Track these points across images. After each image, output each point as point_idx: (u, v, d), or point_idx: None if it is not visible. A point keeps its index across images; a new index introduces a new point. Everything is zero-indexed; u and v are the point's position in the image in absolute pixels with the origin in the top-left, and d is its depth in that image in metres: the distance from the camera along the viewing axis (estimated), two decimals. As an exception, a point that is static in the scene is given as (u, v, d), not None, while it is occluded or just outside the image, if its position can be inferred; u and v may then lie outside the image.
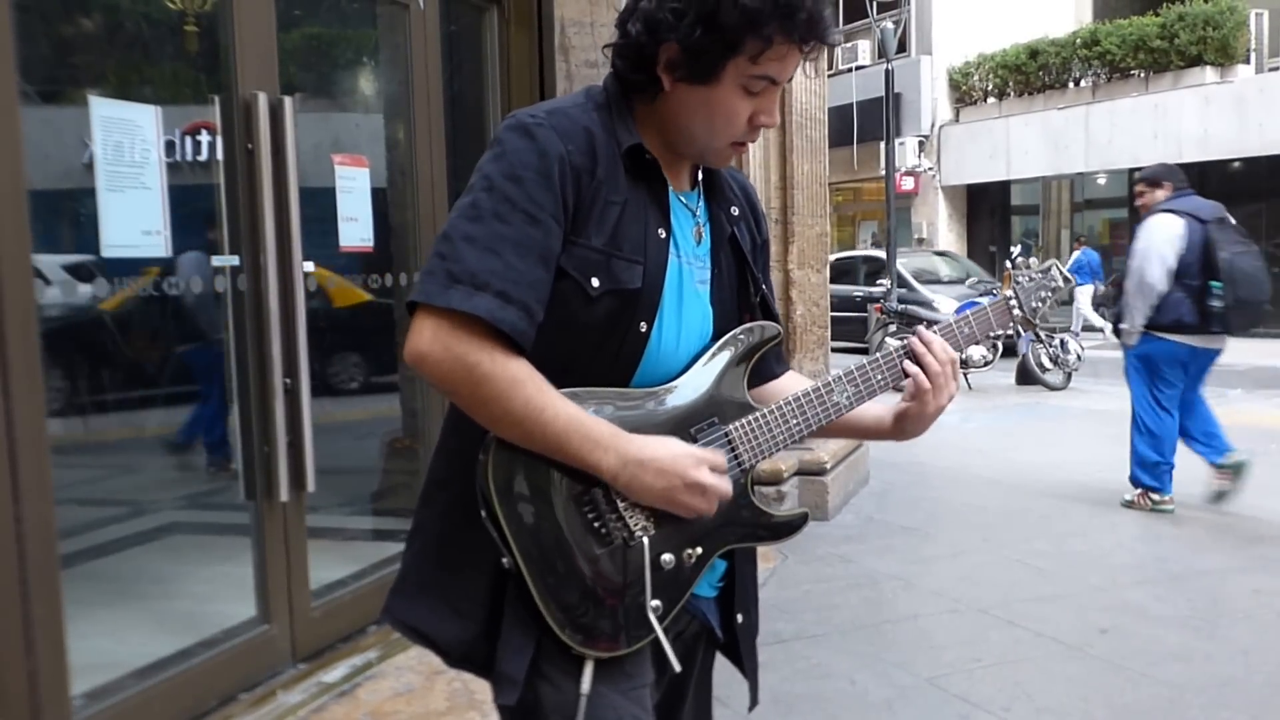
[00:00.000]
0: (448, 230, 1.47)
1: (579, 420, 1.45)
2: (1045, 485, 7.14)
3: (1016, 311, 1.79)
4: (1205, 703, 3.63)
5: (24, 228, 2.62)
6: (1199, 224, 5.82)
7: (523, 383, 1.43)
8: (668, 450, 1.48)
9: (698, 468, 1.48)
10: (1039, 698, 3.67)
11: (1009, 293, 1.80)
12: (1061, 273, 1.82)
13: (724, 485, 1.51)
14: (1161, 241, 5.91)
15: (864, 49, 23.59)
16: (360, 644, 3.77)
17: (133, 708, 3.00)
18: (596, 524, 1.51)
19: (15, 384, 2.59)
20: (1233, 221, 6.01)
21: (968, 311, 1.74)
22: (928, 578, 5.07)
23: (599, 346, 1.52)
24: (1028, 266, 1.83)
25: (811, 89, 6.25)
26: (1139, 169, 21.42)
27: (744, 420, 1.59)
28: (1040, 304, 1.81)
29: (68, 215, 3.41)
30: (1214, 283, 5.67)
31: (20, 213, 2.61)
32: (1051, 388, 11.96)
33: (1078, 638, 4.22)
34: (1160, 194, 6.14)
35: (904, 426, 1.72)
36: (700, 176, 1.69)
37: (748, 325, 1.65)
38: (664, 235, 1.57)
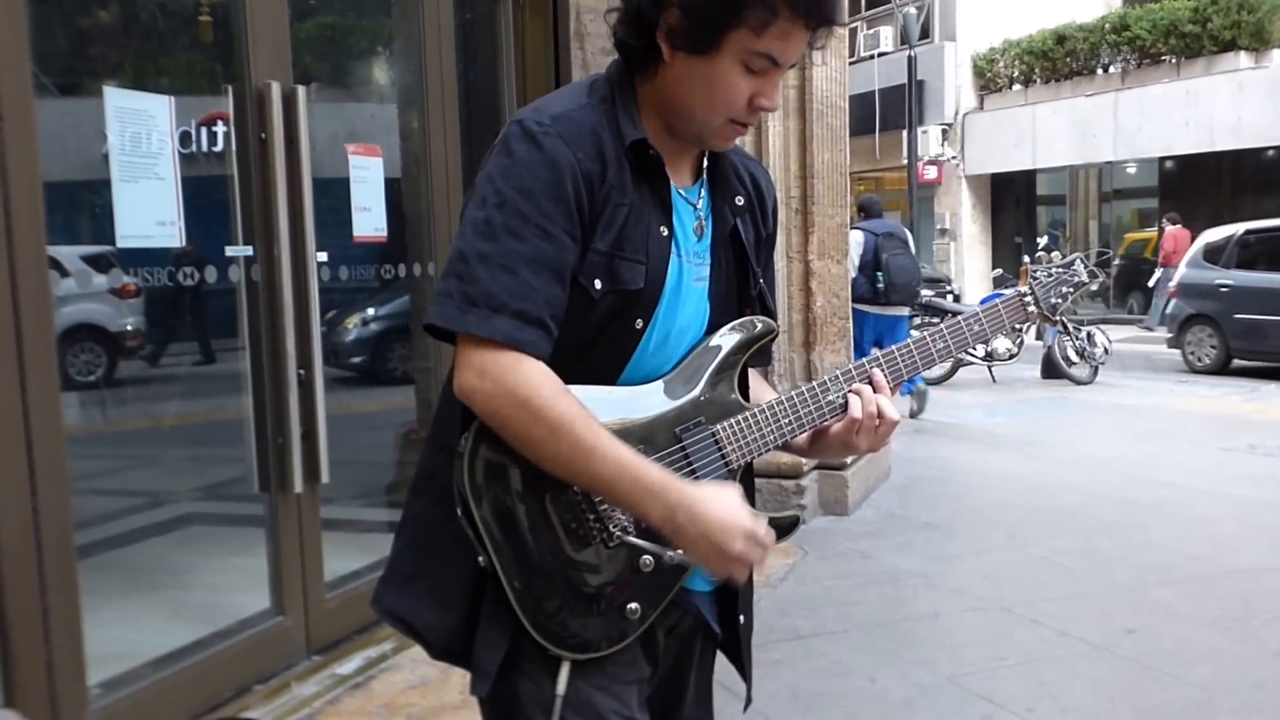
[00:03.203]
0: (462, 248, 1.47)
1: (630, 465, 1.45)
2: (1071, 481, 7.12)
3: (1033, 309, 1.76)
4: (1235, 705, 3.61)
5: (39, 219, 2.68)
6: (873, 236, 9.17)
7: (572, 421, 1.43)
8: (720, 513, 1.46)
9: (745, 543, 1.46)
10: (1063, 698, 3.66)
11: (1024, 288, 1.78)
12: (1087, 267, 1.80)
13: (762, 560, 1.49)
14: (850, 247, 8.82)
15: (886, 35, 23.55)
16: (375, 636, 3.84)
17: (149, 698, 3.07)
18: (574, 525, 1.51)
19: (31, 375, 2.64)
20: (901, 235, 9.47)
21: (979, 308, 1.74)
22: (950, 575, 5.08)
23: (589, 345, 1.53)
24: (1049, 261, 1.81)
25: (833, 76, 6.26)
26: (1170, 158, 21.23)
27: (732, 420, 1.59)
28: (1061, 300, 1.78)
29: (83, 206, 3.47)
30: (878, 273, 9.07)
31: (36, 204, 2.66)
32: (1078, 382, 11.93)
33: (1104, 637, 4.21)
34: (863, 218, 9.71)
35: (818, 446, 1.71)
36: (705, 167, 1.68)
37: (738, 321, 1.65)
38: (666, 233, 1.56)
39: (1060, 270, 1.79)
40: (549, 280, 1.45)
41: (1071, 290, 1.78)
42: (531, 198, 1.45)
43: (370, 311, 4.24)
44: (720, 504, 1.47)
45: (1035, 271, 1.80)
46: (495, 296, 1.42)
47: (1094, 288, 1.83)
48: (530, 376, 1.43)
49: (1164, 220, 18.68)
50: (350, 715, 3.33)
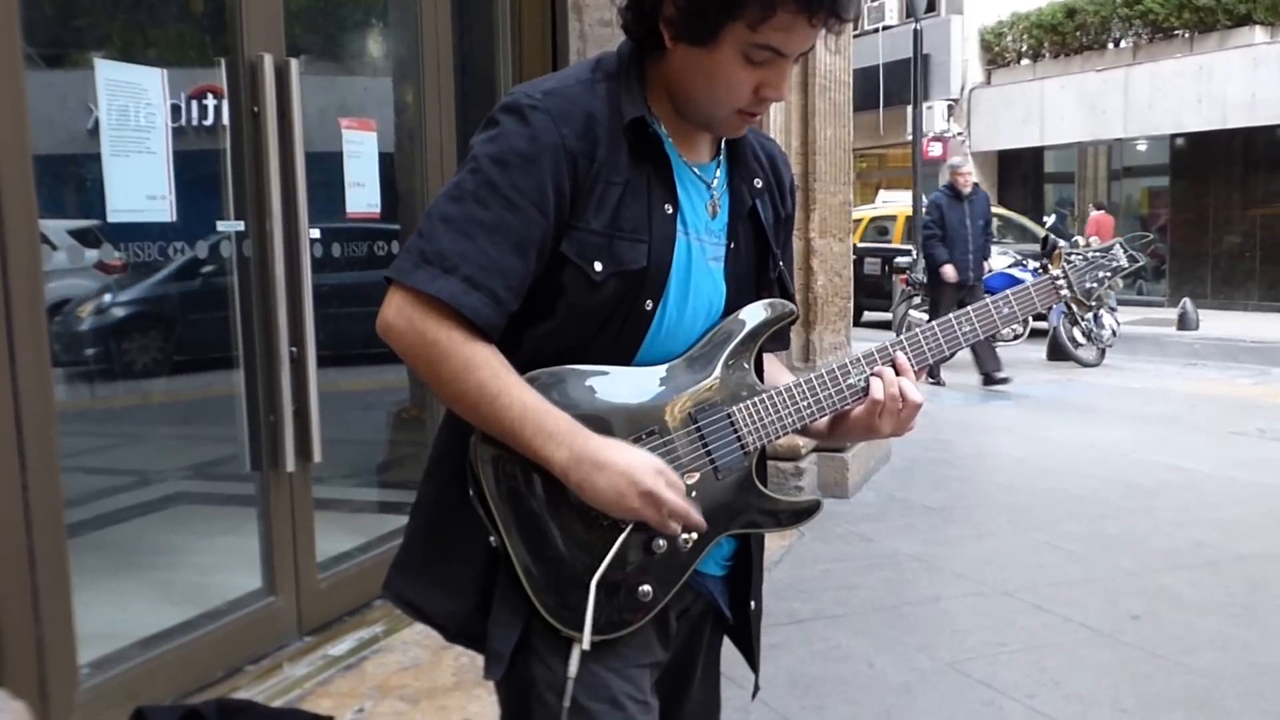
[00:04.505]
0: (430, 208, 1.51)
1: (536, 410, 1.47)
2: (1077, 466, 7.16)
3: (1065, 292, 1.76)
4: (1241, 692, 3.64)
5: (30, 193, 2.70)
6: None
7: (479, 366, 1.46)
8: (626, 456, 1.48)
9: (654, 478, 1.48)
10: (1066, 684, 3.69)
11: (1057, 272, 1.77)
12: (1127, 252, 1.79)
13: (681, 504, 1.50)
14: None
15: (891, 7, 23.47)
16: (367, 617, 3.87)
17: (138, 677, 3.10)
18: (585, 505, 1.52)
19: (21, 350, 2.67)
20: None
21: (1008, 290, 1.73)
22: (951, 559, 5.12)
23: (601, 327, 1.54)
24: (1086, 245, 1.80)
25: (836, 50, 6.27)
26: (1181, 135, 21.25)
27: (749, 402, 1.60)
28: (1096, 285, 1.77)
29: (73, 180, 3.49)
30: None
31: (26, 177, 2.68)
32: (1084, 364, 11.96)
33: (1108, 623, 4.25)
34: None
35: (840, 431, 1.71)
36: (723, 145, 1.69)
37: (764, 301, 1.67)
38: (670, 211, 1.57)
39: (1098, 254, 1.78)
40: (507, 251, 1.47)
41: (1109, 275, 1.78)
42: (506, 169, 1.47)
43: (107, 298, 3.98)
44: (625, 448, 1.50)
45: (1070, 255, 1.79)
46: (448, 258, 1.46)
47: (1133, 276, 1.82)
48: (443, 326, 1.46)
49: (1091, 205, 19.70)
50: (342, 697, 3.36)
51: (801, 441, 5.70)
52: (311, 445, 3.60)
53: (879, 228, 18.55)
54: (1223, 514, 5.88)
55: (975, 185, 10.70)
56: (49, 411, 2.77)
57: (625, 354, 1.57)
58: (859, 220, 18.65)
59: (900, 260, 16.28)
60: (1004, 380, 10.03)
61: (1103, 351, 12.13)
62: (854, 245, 17.08)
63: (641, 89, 1.58)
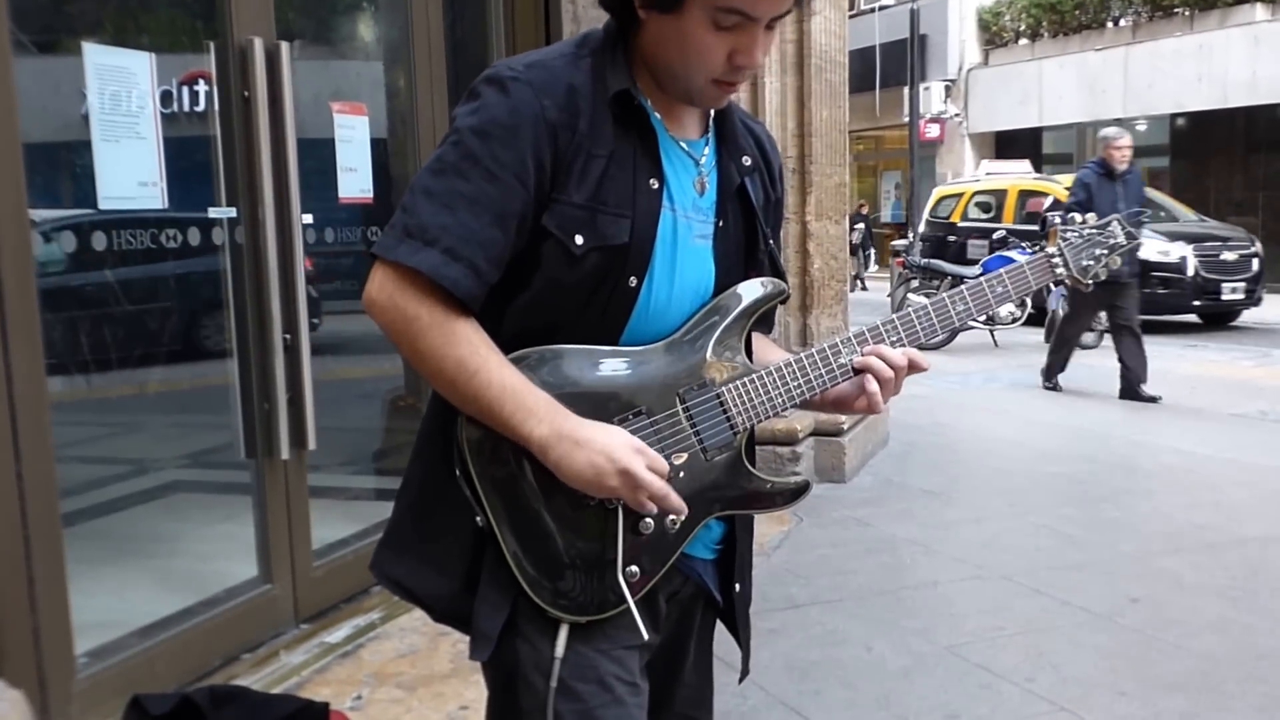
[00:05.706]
0: (413, 181, 1.53)
1: (515, 388, 1.48)
2: (1075, 448, 7.19)
3: (1061, 270, 1.74)
4: (1242, 676, 3.65)
5: (20, 181, 2.70)
6: None
7: (458, 342, 1.47)
8: (605, 435, 1.49)
9: (633, 456, 1.48)
10: (1065, 668, 3.71)
11: (1053, 249, 1.76)
12: (1125, 228, 1.77)
13: (659, 484, 1.50)
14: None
15: (889, -14, 23.44)
16: (363, 605, 3.90)
17: (135, 666, 3.11)
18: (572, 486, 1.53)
19: (14, 340, 2.68)
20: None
21: (1002, 269, 1.72)
22: (949, 543, 5.14)
23: (585, 304, 1.54)
24: (1083, 221, 1.76)
25: (831, 30, 6.27)
26: (1182, 115, 21.12)
27: (739, 381, 1.60)
28: (1093, 262, 1.75)
29: (64, 168, 3.49)
30: None
31: (16, 165, 2.69)
32: (1083, 347, 11.95)
33: (1107, 607, 4.27)
34: None
35: (830, 403, 1.73)
36: (712, 123, 1.69)
37: (756, 280, 1.67)
38: (656, 186, 1.57)
39: (1094, 231, 1.77)
40: (488, 223, 1.48)
41: (1106, 253, 1.76)
42: (486, 140, 1.49)
43: (99, 286, 3.86)
44: (604, 427, 1.51)
45: (1065, 232, 1.76)
46: (429, 231, 1.47)
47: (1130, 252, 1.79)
48: (424, 301, 1.48)
49: None
50: (339, 684, 3.38)
51: (799, 425, 5.74)
52: (306, 433, 3.61)
53: (981, 204, 16.64)
54: (1223, 496, 5.90)
55: (1131, 161, 9.00)
56: (42, 401, 2.78)
57: (611, 332, 1.57)
58: (959, 195, 17.10)
59: (897, 243, 16.25)
60: (1153, 399, 8.71)
61: (1101, 334, 12.12)
62: (953, 224, 16.37)
63: (627, 64, 1.59)
